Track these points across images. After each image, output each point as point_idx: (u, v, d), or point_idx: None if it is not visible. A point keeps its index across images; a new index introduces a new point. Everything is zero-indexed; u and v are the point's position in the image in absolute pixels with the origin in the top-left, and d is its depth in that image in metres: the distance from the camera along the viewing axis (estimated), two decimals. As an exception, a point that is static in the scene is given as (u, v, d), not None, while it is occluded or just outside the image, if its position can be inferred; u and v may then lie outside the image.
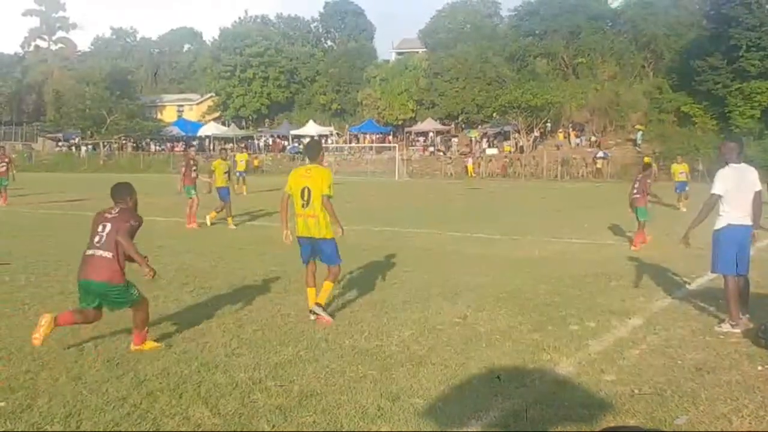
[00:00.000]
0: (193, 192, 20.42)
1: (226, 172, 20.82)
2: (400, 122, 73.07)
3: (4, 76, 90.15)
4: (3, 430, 5.38)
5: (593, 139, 62.36)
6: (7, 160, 28.14)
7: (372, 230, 18.14)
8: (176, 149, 77.11)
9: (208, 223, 20.03)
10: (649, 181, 16.82)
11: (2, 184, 27.52)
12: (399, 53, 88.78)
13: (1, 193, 27.69)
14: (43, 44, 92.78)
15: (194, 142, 76.27)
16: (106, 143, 78.90)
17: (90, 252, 7.25)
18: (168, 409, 5.77)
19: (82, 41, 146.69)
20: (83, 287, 7.27)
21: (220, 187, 20.61)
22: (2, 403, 5.84)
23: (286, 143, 75.33)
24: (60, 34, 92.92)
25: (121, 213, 7.41)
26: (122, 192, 7.70)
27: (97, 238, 7.24)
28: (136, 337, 7.52)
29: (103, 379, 6.47)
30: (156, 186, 39.60)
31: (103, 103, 80.00)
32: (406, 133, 72.37)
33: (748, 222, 8.58)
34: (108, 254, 7.14)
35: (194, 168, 21.09)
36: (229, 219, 20.31)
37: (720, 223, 8.57)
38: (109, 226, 7.25)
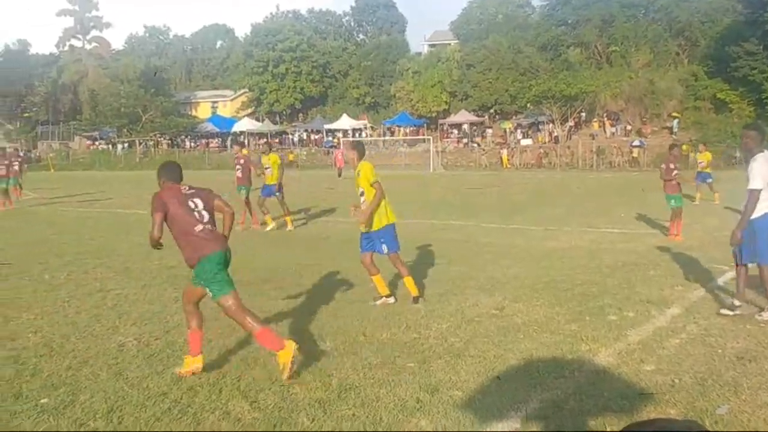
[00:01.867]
0: (243, 192, 19.41)
1: (267, 168, 19.19)
2: (433, 114, 72.78)
3: (40, 76, 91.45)
4: (46, 426, 5.46)
5: (628, 127, 61.74)
6: (6, 162, 26.45)
7: (407, 223, 18.11)
8: (211, 145, 77.70)
9: (289, 227, 18.84)
10: (672, 165, 16.31)
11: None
12: (431, 45, 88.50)
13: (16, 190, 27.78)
14: (77, 44, 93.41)
15: (229, 138, 76.85)
16: (141, 141, 79.74)
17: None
18: (208, 403, 5.82)
19: (116, 40, 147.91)
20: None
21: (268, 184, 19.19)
22: (45, 400, 5.93)
23: (321, 137, 75.36)
24: (94, 33, 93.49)
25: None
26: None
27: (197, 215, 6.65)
28: None
29: (143, 374, 6.54)
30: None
31: (138, 101, 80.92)
32: (440, 125, 72.12)
33: None
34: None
35: (238, 167, 19.79)
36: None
37: (758, 212, 8.36)
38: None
